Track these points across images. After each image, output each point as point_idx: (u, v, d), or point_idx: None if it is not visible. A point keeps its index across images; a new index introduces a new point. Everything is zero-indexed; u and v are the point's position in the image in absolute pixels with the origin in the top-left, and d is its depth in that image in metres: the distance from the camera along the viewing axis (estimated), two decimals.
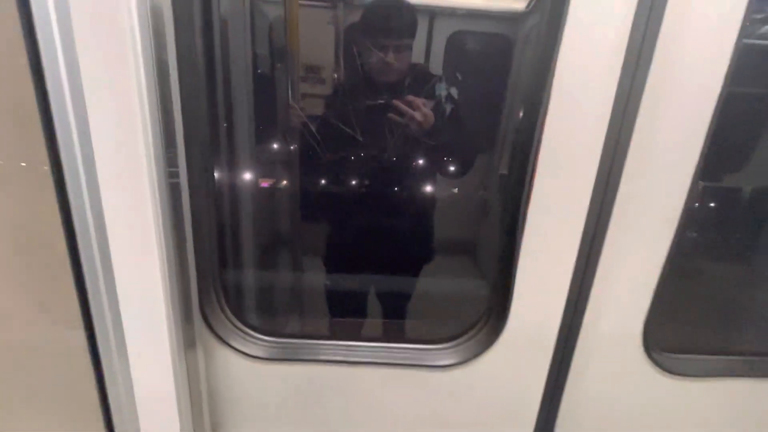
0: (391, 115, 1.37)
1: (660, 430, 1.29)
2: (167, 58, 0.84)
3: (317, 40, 1.89)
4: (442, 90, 1.49)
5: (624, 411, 1.27)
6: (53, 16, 0.69)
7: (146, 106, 0.76)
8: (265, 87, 1.65)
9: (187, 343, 1.01)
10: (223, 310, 1.15)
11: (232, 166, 1.37)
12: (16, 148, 0.78)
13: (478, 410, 1.25)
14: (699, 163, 1.00)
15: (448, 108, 1.49)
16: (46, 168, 0.77)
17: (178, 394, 0.97)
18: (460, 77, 1.92)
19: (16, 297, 0.90)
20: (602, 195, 1.03)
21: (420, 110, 1.35)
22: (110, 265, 0.84)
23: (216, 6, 1.09)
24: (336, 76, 1.90)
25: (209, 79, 1.06)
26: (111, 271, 0.84)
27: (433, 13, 1.93)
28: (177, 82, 0.88)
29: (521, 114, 1.09)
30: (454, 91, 1.54)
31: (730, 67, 0.91)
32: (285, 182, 1.65)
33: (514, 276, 1.09)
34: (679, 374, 1.23)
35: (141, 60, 0.73)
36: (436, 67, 1.93)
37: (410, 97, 1.35)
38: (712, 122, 0.97)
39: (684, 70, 0.93)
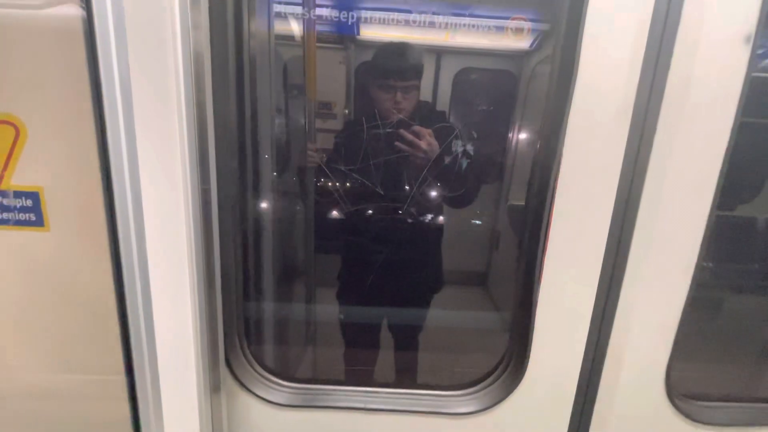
0: (398, 143, 1.43)
1: None
2: (205, 100, 0.91)
3: (331, 77, 1.99)
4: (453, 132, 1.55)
5: None
6: (115, 65, 0.77)
7: (186, 150, 0.82)
8: (285, 121, 1.74)
9: (212, 388, 1.05)
10: (245, 357, 1.18)
11: (257, 224, 1.43)
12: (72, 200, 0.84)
13: None
14: (713, 205, 1.02)
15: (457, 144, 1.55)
16: (103, 225, 0.84)
17: (202, 426, 1.00)
18: (465, 113, 1.99)
19: (66, 342, 0.96)
20: (617, 241, 1.05)
21: (425, 139, 1.41)
22: (151, 315, 0.89)
23: (246, 50, 1.16)
24: (347, 111, 1.98)
25: (239, 115, 1.12)
26: (152, 320, 0.90)
27: (441, 51, 2.02)
28: (213, 122, 0.95)
29: (535, 160, 1.13)
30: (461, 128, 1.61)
31: (740, 101, 0.94)
32: (303, 227, 1.71)
33: (533, 323, 1.10)
34: (706, 423, 1.19)
35: (183, 100, 0.80)
36: (444, 100, 2.02)
37: (417, 128, 1.42)
38: (725, 161, 0.98)
39: (695, 107, 0.95)
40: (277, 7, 1.59)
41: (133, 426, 0.96)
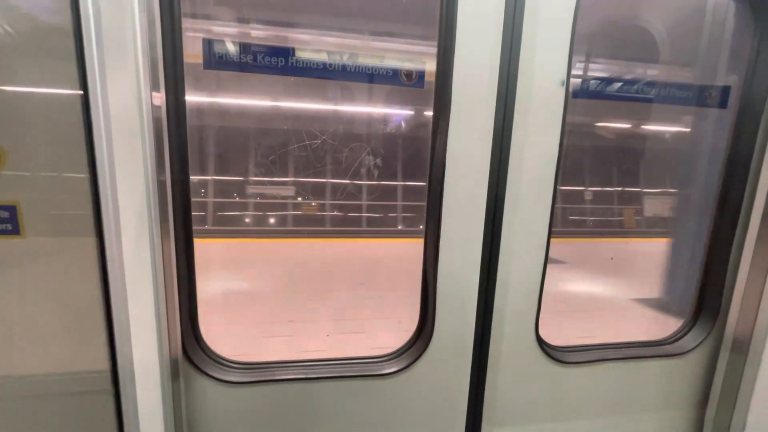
0: None
1: (557, 407, 1.65)
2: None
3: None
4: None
5: (530, 396, 1.61)
6: (102, 124, 0.95)
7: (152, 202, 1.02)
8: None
9: (172, 375, 1.21)
10: (200, 345, 1.36)
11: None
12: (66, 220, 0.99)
13: (419, 408, 1.53)
14: (554, 198, 1.43)
15: None
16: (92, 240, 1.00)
17: (165, 415, 1.16)
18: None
19: (60, 338, 1.07)
20: (491, 227, 1.41)
21: None
22: (128, 315, 1.05)
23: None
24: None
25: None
26: (128, 322, 1.05)
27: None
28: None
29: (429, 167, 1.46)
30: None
31: (563, 121, 1.36)
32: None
33: (435, 297, 1.42)
34: (566, 362, 1.60)
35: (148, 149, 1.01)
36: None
37: None
38: (558, 167, 1.40)
39: (535, 127, 1.37)
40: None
41: (116, 416, 1.08)
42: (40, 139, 0.96)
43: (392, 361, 1.49)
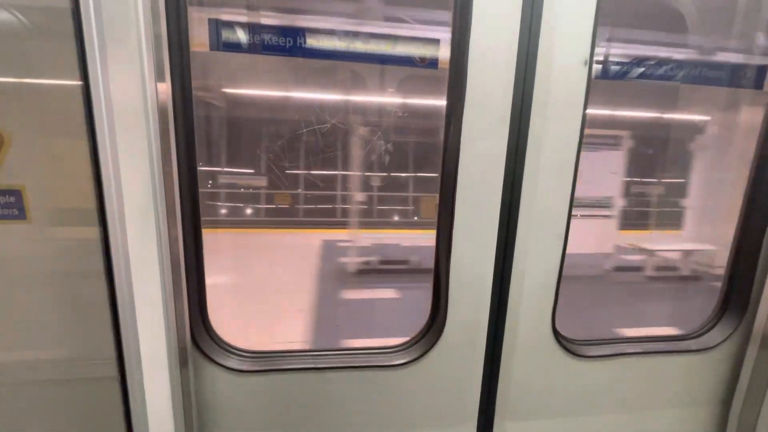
0: None
1: (574, 401, 1.60)
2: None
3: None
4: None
5: (545, 390, 1.56)
6: (105, 115, 0.92)
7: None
8: None
9: (181, 363, 1.20)
10: (209, 332, 1.35)
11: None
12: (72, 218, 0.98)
13: (430, 400, 1.49)
14: (574, 184, 1.35)
15: None
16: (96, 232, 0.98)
17: (174, 402, 1.15)
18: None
19: (66, 324, 1.06)
20: (507, 218, 1.35)
21: None
22: (133, 302, 1.03)
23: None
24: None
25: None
26: (134, 307, 1.03)
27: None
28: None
29: (442, 159, 1.39)
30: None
31: (585, 103, 1.29)
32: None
33: (448, 288, 1.38)
34: (583, 356, 1.55)
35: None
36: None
37: None
38: (579, 148, 1.33)
39: (555, 109, 1.29)
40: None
41: (123, 403, 1.07)
42: (45, 124, 0.93)
43: (403, 351, 1.46)
